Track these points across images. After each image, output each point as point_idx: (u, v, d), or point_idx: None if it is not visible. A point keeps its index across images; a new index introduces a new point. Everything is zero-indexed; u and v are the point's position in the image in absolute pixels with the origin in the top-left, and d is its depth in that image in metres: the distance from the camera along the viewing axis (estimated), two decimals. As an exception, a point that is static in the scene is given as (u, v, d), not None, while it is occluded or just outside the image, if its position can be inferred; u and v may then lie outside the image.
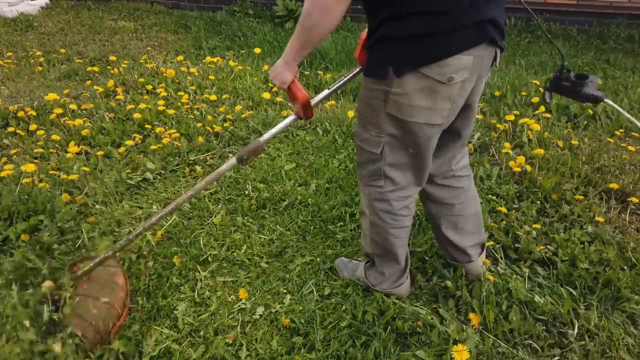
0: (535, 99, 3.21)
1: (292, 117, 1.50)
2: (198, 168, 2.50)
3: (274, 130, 1.51)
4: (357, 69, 1.51)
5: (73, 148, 2.50)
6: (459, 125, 1.46)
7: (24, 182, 2.15)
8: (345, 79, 1.53)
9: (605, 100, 1.37)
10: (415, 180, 1.48)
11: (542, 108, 3.02)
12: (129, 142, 2.64)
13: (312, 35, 1.24)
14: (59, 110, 2.95)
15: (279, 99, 3.37)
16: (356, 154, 1.51)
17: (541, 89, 1.56)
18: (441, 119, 1.31)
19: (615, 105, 1.38)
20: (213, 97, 3.35)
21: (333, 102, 3.40)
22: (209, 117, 3.02)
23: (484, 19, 1.18)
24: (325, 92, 1.52)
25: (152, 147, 2.61)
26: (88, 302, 1.49)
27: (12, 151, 2.60)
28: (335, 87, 1.53)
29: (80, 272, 1.55)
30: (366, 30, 1.37)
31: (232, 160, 1.54)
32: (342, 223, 2.08)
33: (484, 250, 1.72)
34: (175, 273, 1.76)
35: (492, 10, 1.20)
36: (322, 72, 3.94)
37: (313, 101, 1.45)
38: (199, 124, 2.91)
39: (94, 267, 1.55)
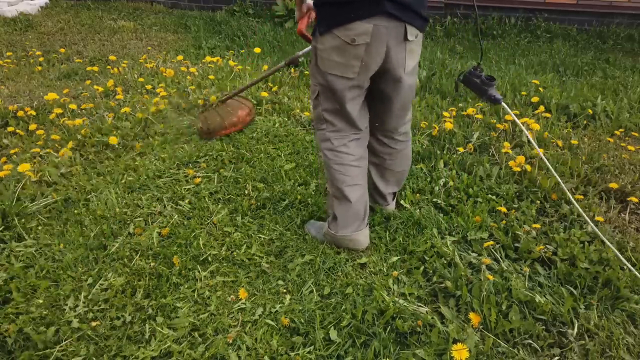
0: (535, 99, 3.21)
1: (309, 47, 1.94)
2: (193, 171, 2.50)
3: (303, 51, 2.36)
4: None
5: (70, 148, 2.50)
6: (389, 91, 1.75)
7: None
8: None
9: (502, 104, 1.63)
10: (348, 126, 1.78)
11: (542, 108, 3.02)
12: (114, 139, 2.64)
13: None
14: (59, 110, 2.95)
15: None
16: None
17: (456, 80, 1.81)
18: (353, 74, 1.62)
19: (510, 111, 1.67)
20: (213, 98, 3.34)
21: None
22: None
23: None
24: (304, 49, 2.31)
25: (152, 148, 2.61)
26: (213, 113, 2.82)
27: (12, 151, 2.60)
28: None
29: (219, 100, 2.94)
30: None
31: (281, 64, 2.52)
32: (342, 223, 2.08)
33: (395, 195, 2.11)
34: (175, 273, 1.76)
35: None
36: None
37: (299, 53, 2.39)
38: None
39: (227, 98, 2.93)
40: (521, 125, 1.67)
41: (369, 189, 1.99)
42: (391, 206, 2.11)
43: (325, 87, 1.69)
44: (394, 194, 2.10)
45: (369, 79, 1.68)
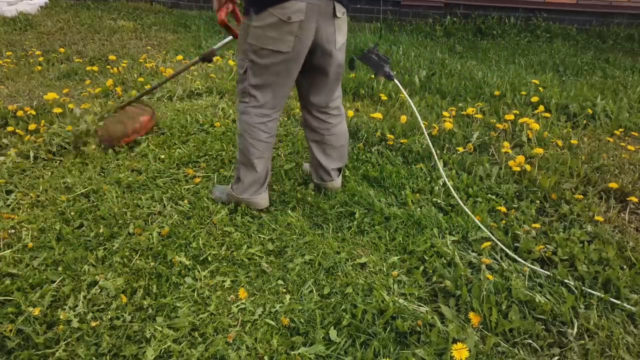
0: (535, 99, 3.21)
1: (229, 37, 2.11)
2: (192, 170, 2.50)
3: (221, 43, 2.31)
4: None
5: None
6: (322, 65, 1.92)
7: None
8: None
9: (395, 80, 1.88)
10: (273, 102, 1.92)
11: (542, 107, 3.02)
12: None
13: None
14: (59, 110, 2.94)
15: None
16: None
17: (353, 56, 2.01)
18: (287, 48, 1.76)
19: (400, 87, 1.93)
20: (112, 103, 3.32)
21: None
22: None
23: None
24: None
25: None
26: (113, 121, 2.66)
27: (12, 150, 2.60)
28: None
29: (118, 106, 2.76)
30: None
31: (196, 59, 2.38)
32: (341, 223, 2.08)
33: (341, 172, 2.28)
34: (175, 273, 1.76)
35: None
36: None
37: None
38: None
39: (127, 104, 2.78)
40: (409, 100, 1.94)
41: (315, 166, 2.21)
42: (336, 182, 2.24)
43: (255, 63, 1.81)
44: (339, 170, 2.24)
45: (304, 55, 1.82)
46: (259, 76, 1.84)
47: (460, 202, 1.99)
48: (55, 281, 1.71)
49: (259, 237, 1.98)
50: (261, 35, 1.74)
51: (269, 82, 1.86)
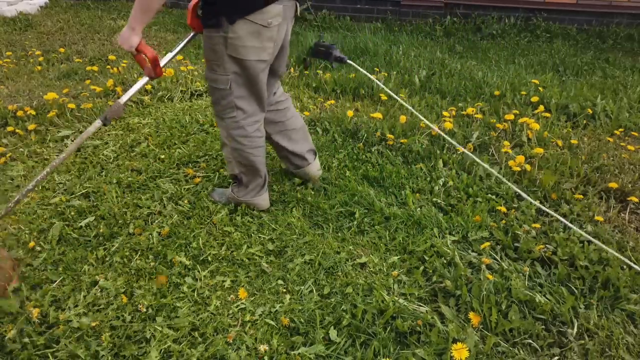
0: (535, 99, 3.21)
1: (145, 79, 1.74)
2: (191, 171, 2.50)
3: (130, 91, 1.76)
4: (193, 33, 1.80)
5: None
6: (277, 65, 1.93)
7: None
8: (184, 42, 1.82)
9: (348, 61, 1.96)
10: (259, 107, 1.89)
11: (542, 107, 3.02)
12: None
13: (151, 1, 1.52)
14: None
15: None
16: (210, 94, 1.88)
17: (305, 57, 2.19)
18: (268, 56, 1.74)
19: (356, 65, 2.00)
20: None
21: (333, 101, 3.40)
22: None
23: None
24: (170, 54, 1.79)
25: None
26: None
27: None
28: (177, 49, 1.81)
29: None
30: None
31: (97, 123, 1.69)
32: (341, 223, 2.08)
33: (316, 155, 2.26)
34: (175, 273, 1.76)
35: None
36: (321, 72, 3.94)
37: (161, 61, 1.69)
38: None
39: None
40: (372, 77, 2.08)
41: (285, 157, 2.21)
42: (314, 165, 2.24)
43: (239, 75, 1.75)
44: (313, 152, 2.24)
45: None
46: (243, 86, 1.79)
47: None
48: (55, 281, 1.71)
49: (259, 237, 1.98)
50: (241, 46, 1.66)
51: (253, 89, 1.82)
